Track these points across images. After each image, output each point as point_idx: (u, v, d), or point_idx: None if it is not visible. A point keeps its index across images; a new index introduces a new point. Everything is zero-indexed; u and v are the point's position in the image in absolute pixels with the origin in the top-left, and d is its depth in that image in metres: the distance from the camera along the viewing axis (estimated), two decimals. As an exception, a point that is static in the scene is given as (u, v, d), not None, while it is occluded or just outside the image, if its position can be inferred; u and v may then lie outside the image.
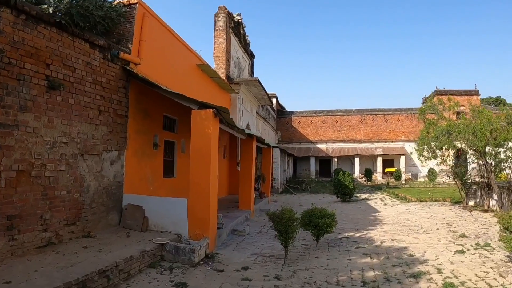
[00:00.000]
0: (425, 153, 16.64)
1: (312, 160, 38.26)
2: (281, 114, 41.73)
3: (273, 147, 21.28)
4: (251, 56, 25.08)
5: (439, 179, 32.77)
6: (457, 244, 9.32)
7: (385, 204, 18.11)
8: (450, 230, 11.16)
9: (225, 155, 19.15)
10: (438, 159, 16.69)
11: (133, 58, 9.85)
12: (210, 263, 7.91)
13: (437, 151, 15.94)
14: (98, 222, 8.81)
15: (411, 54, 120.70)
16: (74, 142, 8.04)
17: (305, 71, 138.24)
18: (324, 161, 39.73)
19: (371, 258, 8.11)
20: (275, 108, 39.48)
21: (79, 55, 8.17)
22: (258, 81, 18.98)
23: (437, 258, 8.01)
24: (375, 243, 9.64)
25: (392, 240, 9.93)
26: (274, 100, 39.28)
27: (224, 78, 18.43)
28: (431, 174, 33.19)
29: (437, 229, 11.45)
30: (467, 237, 10.21)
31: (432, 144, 15.62)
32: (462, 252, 8.52)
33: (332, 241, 9.90)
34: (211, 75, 15.91)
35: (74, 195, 8.04)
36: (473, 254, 8.32)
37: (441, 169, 32.82)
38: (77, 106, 8.15)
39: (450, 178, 27.60)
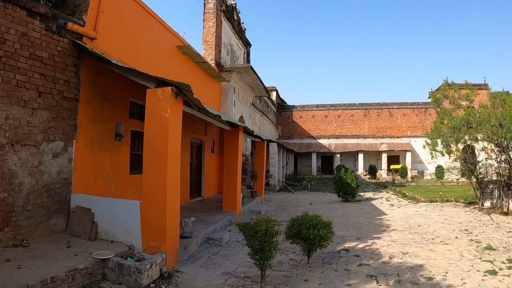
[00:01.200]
0: (439, 148, 14.50)
1: (314, 156, 36.25)
2: (282, 108, 39.69)
3: (268, 140, 19.27)
4: (246, 44, 23.06)
5: (447, 177, 30.65)
6: (484, 260, 7.31)
7: (392, 205, 16.05)
8: (471, 240, 9.13)
9: (214, 150, 17.18)
10: (452, 156, 14.53)
11: (87, 31, 8.02)
12: (163, 286, 5.96)
13: (451, 145, 13.81)
14: (35, 228, 7.03)
15: (417, 48, 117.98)
16: (0, 129, 6.32)
17: (307, 65, 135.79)
18: (326, 157, 37.70)
19: (377, 283, 6.12)
20: (275, 102, 37.48)
21: (12, 24, 6.51)
22: (251, 68, 16.97)
23: (464, 284, 6.01)
24: (382, 258, 7.62)
25: (403, 254, 7.91)
26: (274, 94, 37.29)
27: (213, 64, 16.48)
28: (439, 171, 31.02)
29: (456, 237, 9.43)
30: (494, 249, 8.19)
31: (449, 137, 13.40)
32: (493, 272, 6.53)
33: (328, 255, 7.92)
34: (195, 60, 13.94)
35: (0, 195, 6.29)
36: (508, 276, 6.31)
37: (449, 166, 30.76)
38: (6, 86, 6.41)
39: (459, 176, 25.71)
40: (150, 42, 10.77)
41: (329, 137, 37.80)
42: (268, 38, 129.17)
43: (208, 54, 16.90)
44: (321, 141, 37.75)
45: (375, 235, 9.71)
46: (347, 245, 8.69)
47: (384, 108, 37.48)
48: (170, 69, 12.10)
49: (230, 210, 11.72)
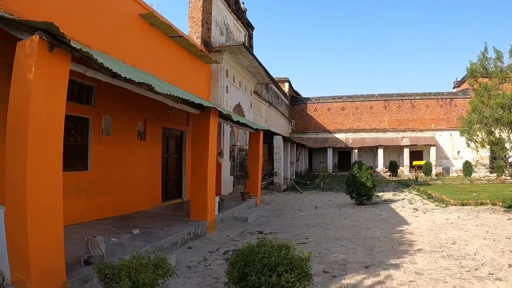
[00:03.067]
0: (478, 137, 11.09)
1: (330, 152, 33.01)
2: (295, 100, 36.56)
3: (266, 132, 16.25)
4: (248, 26, 20.02)
5: (475, 174, 27.10)
6: None
7: (416, 210, 12.78)
8: (536, 270, 5.93)
9: (202, 143, 14.24)
10: (496, 147, 11.08)
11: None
12: None
13: (496, 131, 10.39)
14: None
15: (441, 35, 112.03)
16: None
17: (322, 55, 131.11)
18: (343, 153, 34.36)
19: None
20: (287, 94, 34.37)
21: None
22: (244, 46, 13.98)
23: None
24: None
25: (434, 304, 4.81)
26: (286, 85, 34.25)
27: (199, 43, 13.59)
28: (467, 168, 27.25)
29: (510, 266, 6.23)
30: None
31: (494, 119, 9.91)
32: None
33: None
34: (168, 33, 11.07)
35: None
36: None
37: (479, 162, 27.06)
38: None
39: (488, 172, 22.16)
40: (94, 5, 7.98)
41: (346, 131, 34.47)
42: (280, 27, 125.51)
43: (193, 32, 14.04)
44: (338, 135, 34.46)
45: (392, 261, 6.58)
46: (346, 281, 5.58)
47: (405, 99, 33.87)
48: (129, 44, 9.41)
49: (198, 218, 8.82)
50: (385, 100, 34.44)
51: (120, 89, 6.83)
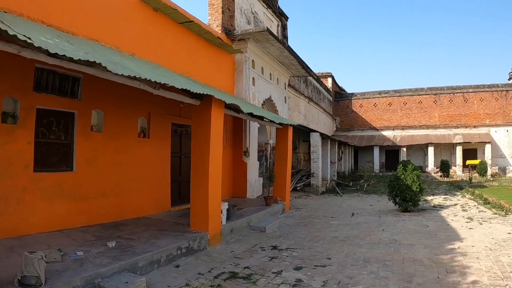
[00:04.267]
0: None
1: (376, 151, 30.48)
2: (339, 96, 34.27)
3: (299, 127, 14.45)
4: (281, 16, 18.27)
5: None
6: None
7: (470, 219, 10.47)
8: None
9: (223, 141, 12.73)
10: None
11: None
12: None
13: None
14: None
15: (493, 26, 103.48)
16: None
17: (367, 49, 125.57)
18: (391, 152, 31.62)
19: None
20: (331, 90, 32.20)
21: None
22: (270, 32, 12.30)
23: None
24: None
25: None
26: (329, 80, 32.14)
27: (219, 31, 12.15)
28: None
29: None
30: None
31: None
32: None
33: None
34: (177, 19, 9.76)
35: None
36: None
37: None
38: None
39: None
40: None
41: (393, 128, 31.73)
42: (323, 19, 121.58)
43: (214, 20, 12.63)
44: (385, 132, 31.80)
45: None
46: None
47: (457, 92, 30.56)
48: (126, 30, 8.36)
49: (198, 229, 7.30)
50: (435, 94, 31.27)
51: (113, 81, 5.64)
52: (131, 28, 8.48)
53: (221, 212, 7.79)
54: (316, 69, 28.20)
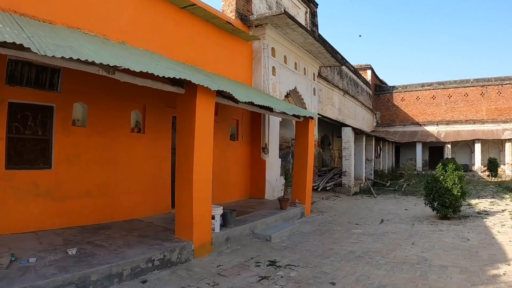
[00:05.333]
0: None
1: (418, 147, 28.09)
2: (379, 90, 32.03)
3: (328, 121, 12.95)
4: (309, 2, 16.69)
5: None
6: None
7: (523, 231, 8.57)
8: None
9: (238, 136, 11.56)
10: None
11: None
12: None
13: None
14: None
15: None
16: None
17: (411, 40, 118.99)
18: (435, 149, 29.08)
19: None
20: (370, 83, 30.10)
21: None
22: (288, 15, 10.91)
23: None
24: None
25: None
26: (368, 73, 30.10)
27: (233, 17, 10.95)
28: None
29: None
30: None
31: None
32: None
33: None
34: (178, 3, 8.67)
35: None
36: None
37: None
38: None
39: None
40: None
41: (437, 123, 29.13)
42: (362, 10, 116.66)
43: (227, 6, 11.45)
44: (428, 128, 29.29)
45: None
46: None
47: (506, 84, 27.45)
48: (115, 16, 7.56)
49: (183, 237, 6.13)
50: (482, 86, 28.25)
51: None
52: (121, 14, 7.59)
53: (213, 218, 6.56)
54: (354, 61, 26.33)
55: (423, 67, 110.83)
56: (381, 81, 34.42)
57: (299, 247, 7.14)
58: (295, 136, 11.29)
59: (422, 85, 30.50)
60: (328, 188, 16.70)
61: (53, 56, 4.06)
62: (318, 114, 17.01)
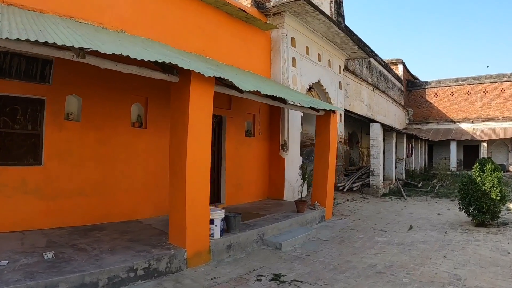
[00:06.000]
0: None
1: (453, 146, 26.31)
2: (412, 85, 30.33)
3: (354, 116, 11.92)
4: (336, -11, 15.61)
5: None
6: None
7: None
8: None
9: (254, 132, 10.73)
10: None
11: None
12: None
13: None
14: None
15: None
16: None
17: (444, 33, 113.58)
18: (470, 147, 27.21)
19: None
20: (402, 78, 28.49)
21: None
22: (308, 2, 9.91)
23: None
24: None
25: None
26: (400, 68, 28.52)
27: (248, 5, 10.12)
28: None
29: None
30: None
31: None
32: None
33: None
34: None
35: None
36: None
37: None
38: None
39: None
40: None
41: (473, 120, 27.21)
42: (393, 4, 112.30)
43: (241, -8, 10.55)
44: (463, 125, 27.41)
45: None
46: None
47: (546, 78, 25.22)
48: (117, 4, 6.96)
49: (177, 243, 5.37)
50: (520, 81, 26.17)
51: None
52: (119, 1, 6.86)
53: (212, 223, 5.74)
54: (385, 56, 24.89)
55: (457, 61, 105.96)
56: (413, 76, 32.62)
57: (312, 257, 6.22)
58: (315, 132, 10.30)
59: (457, 80, 28.57)
60: (354, 188, 15.54)
61: (7, 38, 3.44)
62: (345, 109, 15.93)
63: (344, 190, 15.02)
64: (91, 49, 3.92)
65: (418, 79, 32.49)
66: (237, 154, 9.98)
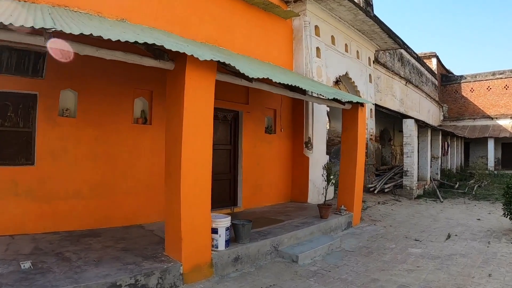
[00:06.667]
0: None
1: (490, 144, 24.39)
2: (446, 80, 28.46)
3: (385, 111, 10.85)
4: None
5: None
6: None
7: None
8: None
9: (276, 128, 9.82)
10: None
11: None
12: None
13: None
14: None
15: None
16: None
17: (479, 25, 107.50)
18: (509, 145, 25.17)
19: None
20: (435, 72, 26.75)
21: None
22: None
23: None
24: None
25: None
26: (433, 61, 26.80)
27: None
28: None
29: None
30: None
31: None
32: None
33: None
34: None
35: None
36: None
37: None
38: None
39: None
40: None
41: (511, 116, 25.09)
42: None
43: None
44: (501, 122, 25.40)
45: None
46: None
47: None
48: None
49: (173, 255, 4.60)
50: None
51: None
52: None
53: (215, 232, 4.91)
54: (417, 49, 23.34)
55: (493, 54, 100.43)
56: (447, 70, 30.64)
57: (333, 273, 5.27)
58: (342, 128, 9.27)
59: (493, 73, 26.46)
60: (386, 190, 14.28)
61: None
62: (375, 104, 14.73)
63: (375, 191, 13.84)
64: (54, 29, 3.19)
65: (452, 73, 30.48)
66: (256, 152, 9.12)
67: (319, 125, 10.48)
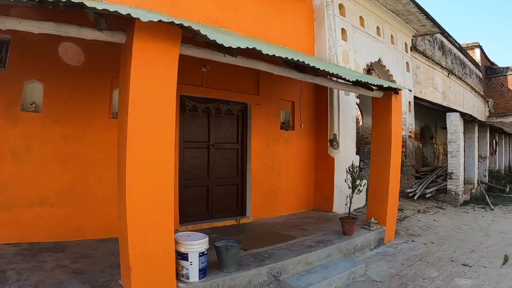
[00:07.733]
0: None
1: (545, 142, 21.50)
2: (491, 72, 25.75)
3: (425, 104, 9.22)
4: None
5: None
6: None
7: None
8: None
9: (294, 124, 8.41)
10: None
11: None
12: None
13: None
14: None
15: None
16: None
17: None
18: None
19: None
20: (480, 64, 24.19)
21: None
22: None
23: None
24: None
25: None
26: (477, 52, 24.31)
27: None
28: None
29: None
30: None
31: None
32: None
33: None
34: None
35: None
36: None
37: None
38: None
39: None
40: None
41: None
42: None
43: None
44: (554, 117, 22.43)
45: None
46: None
47: None
48: None
49: (127, 285, 3.30)
50: None
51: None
52: None
53: (184, 258, 3.60)
54: (459, 40, 20.97)
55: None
56: (491, 62, 27.75)
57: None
58: (371, 122, 7.69)
59: (550, 62, 23.57)
60: (428, 195, 12.36)
61: None
62: (415, 97, 12.89)
63: (415, 197, 11.98)
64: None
65: (496, 65, 27.61)
66: (269, 152, 7.74)
67: (347, 119, 8.92)
